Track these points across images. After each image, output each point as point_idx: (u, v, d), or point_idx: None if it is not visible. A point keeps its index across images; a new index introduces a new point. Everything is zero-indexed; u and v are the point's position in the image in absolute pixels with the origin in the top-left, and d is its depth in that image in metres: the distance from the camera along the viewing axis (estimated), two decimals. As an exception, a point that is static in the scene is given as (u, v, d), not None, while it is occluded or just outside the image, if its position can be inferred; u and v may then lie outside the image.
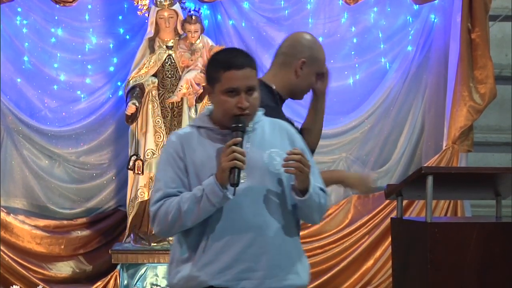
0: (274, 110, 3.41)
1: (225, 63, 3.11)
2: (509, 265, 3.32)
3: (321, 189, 3.15)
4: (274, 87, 3.57)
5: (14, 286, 6.36)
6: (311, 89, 3.68)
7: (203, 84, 6.60)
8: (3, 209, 6.68)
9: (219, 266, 3.07)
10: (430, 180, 3.36)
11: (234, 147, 2.99)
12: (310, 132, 3.71)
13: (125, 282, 6.38)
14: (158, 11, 6.49)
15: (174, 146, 3.15)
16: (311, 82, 3.65)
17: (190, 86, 6.50)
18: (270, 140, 3.15)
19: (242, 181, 3.03)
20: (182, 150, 3.12)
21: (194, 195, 3.03)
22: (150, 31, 6.56)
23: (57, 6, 6.64)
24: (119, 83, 6.87)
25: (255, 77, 3.15)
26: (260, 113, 3.21)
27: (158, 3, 6.47)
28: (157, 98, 6.54)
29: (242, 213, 3.08)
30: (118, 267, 6.41)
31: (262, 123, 3.19)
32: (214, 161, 3.07)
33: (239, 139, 3.03)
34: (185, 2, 6.67)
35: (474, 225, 3.38)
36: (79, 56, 6.91)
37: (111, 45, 6.93)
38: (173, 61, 6.57)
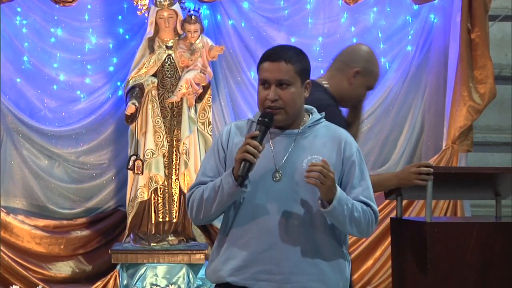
0: (334, 108, 3.57)
1: (264, 55, 3.16)
2: (509, 265, 3.32)
3: (364, 203, 3.06)
4: (327, 87, 3.72)
5: (14, 286, 6.37)
6: (359, 99, 3.77)
7: (203, 84, 6.60)
8: (2, 209, 6.68)
9: (238, 263, 3.08)
10: (429, 179, 3.36)
11: (249, 139, 3.00)
12: (351, 126, 3.74)
13: (125, 282, 6.38)
14: (157, 11, 6.49)
15: (222, 136, 3.20)
16: (361, 93, 3.77)
17: (190, 86, 6.50)
18: (318, 147, 3.11)
19: (277, 179, 3.04)
20: (227, 141, 3.17)
21: (214, 184, 3.07)
22: (150, 31, 6.56)
23: (57, 6, 6.64)
24: (118, 83, 6.87)
25: (291, 72, 3.11)
26: (316, 116, 3.19)
27: (158, 3, 6.47)
28: (156, 98, 6.54)
29: (268, 215, 3.07)
30: (118, 267, 6.41)
31: (317, 127, 3.16)
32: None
33: (257, 132, 3.03)
34: (184, 2, 6.67)
35: (474, 225, 3.38)
36: (79, 56, 6.90)
37: (110, 45, 6.93)
38: (173, 61, 6.57)
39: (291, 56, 3.11)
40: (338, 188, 2.99)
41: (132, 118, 6.46)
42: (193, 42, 6.51)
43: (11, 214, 6.73)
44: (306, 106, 3.20)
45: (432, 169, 3.46)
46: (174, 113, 6.56)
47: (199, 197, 3.09)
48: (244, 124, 3.22)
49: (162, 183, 6.51)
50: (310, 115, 3.20)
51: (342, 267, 3.13)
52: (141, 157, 6.40)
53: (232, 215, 3.11)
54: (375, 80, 3.80)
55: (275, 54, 3.12)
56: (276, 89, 3.09)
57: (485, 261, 3.31)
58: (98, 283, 6.48)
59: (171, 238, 6.53)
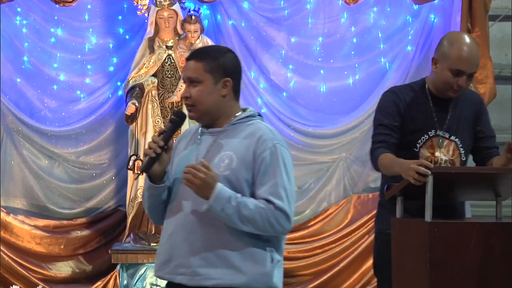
0: (388, 93, 4.04)
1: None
2: (510, 265, 3.31)
3: (266, 199, 3.08)
4: (426, 85, 3.98)
5: (14, 286, 6.37)
6: (448, 85, 3.88)
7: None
8: (3, 209, 6.68)
9: (163, 258, 3.20)
10: (430, 179, 3.35)
11: (153, 135, 3.18)
12: None
13: (125, 282, 6.38)
14: (157, 11, 6.49)
15: (176, 140, 3.34)
16: (445, 78, 3.87)
17: (190, 86, 6.49)
18: (234, 144, 3.16)
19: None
20: (177, 144, 3.30)
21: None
22: (150, 31, 6.56)
23: (57, 6, 6.64)
24: (118, 83, 6.87)
25: (199, 70, 3.18)
26: (242, 115, 3.24)
27: (158, 3, 6.47)
28: (156, 98, 6.55)
29: (183, 211, 3.17)
30: (118, 267, 6.41)
31: (243, 126, 3.21)
32: (186, 153, 3.23)
33: (163, 129, 3.19)
34: (184, 2, 6.67)
35: (474, 225, 3.38)
36: (79, 56, 6.90)
37: (110, 45, 6.93)
38: (173, 61, 6.57)
39: (203, 55, 3.20)
40: (218, 187, 3.04)
41: (132, 118, 6.46)
42: (193, 42, 6.51)
43: (11, 214, 6.73)
44: (245, 106, 3.31)
45: (429, 171, 3.46)
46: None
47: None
48: (192, 128, 3.34)
49: (162, 183, 6.50)
50: (241, 114, 3.26)
51: (259, 259, 3.13)
52: (141, 157, 6.39)
53: (164, 213, 3.26)
54: (455, 62, 3.85)
55: (192, 53, 3.25)
56: (188, 87, 3.19)
57: (485, 261, 3.31)
58: (98, 283, 6.48)
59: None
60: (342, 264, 6.70)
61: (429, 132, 3.96)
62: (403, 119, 3.96)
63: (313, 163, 6.96)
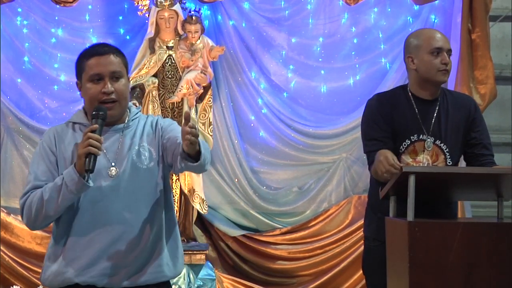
0: (369, 102, 4.01)
1: (88, 52, 3.21)
2: (496, 266, 3.30)
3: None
4: (409, 89, 3.99)
5: (14, 286, 6.37)
6: (434, 67, 3.91)
7: (204, 84, 6.60)
8: (3, 210, 6.68)
9: (85, 262, 3.10)
10: (412, 179, 3.34)
11: (89, 133, 3.03)
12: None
13: (126, 282, 6.37)
14: (158, 11, 6.49)
15: (47, 140, 3.20)
16: (427, 63, 3.92)
17: (191, 87, 6.50)
18: (140, 136, 3.21)
19: (113, 174, 3.10)
20: (55, 144, 3.18)
21: (55, 184, 3.07)
22: (151, 31, 6.56)
23: (58, 6, 6.64)
24: (119, 84, 6.86)
25: (121, 64, 3.21)
26: (135, 110, 3.29)
27: (159, 3, 6.47)
28: (157, 98, 6.55)
29: (109, 208, 3.12)
30: (119, 267, 6.40)
31: (137, 120, 3.26)
32: None
33: (96, 125, 3.07)
34: (185, 3, 6.67)
35: (458, 225, 3.36)
36: (79, 57, 6.90)
37: (111, 46, 6.92)
38: (174, 62, 6.57)
39: (115, 50, 3.23)
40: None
41: (133, 118, 6.46)
42: (193, 42, 6.51)
43: (11, 215, 6.73)
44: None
45: (395, 170, 3.52)
46: (175, 113, 6.56)
47: (37, 199, 3.08)
48: (64, 127, 3.25)
49: (163, 183, 6.50)
50: (129, 110, 3.28)
51: (178, 255, 3.25)
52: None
53: (70, 216, 3.12)
54: (430, 42, 3.94)
55: (100, 49, 3.21)
56: (110, 82, 3.15)
57: (471, 262, 3.29)
58: (99, 283, 6.47)
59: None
60: (342, 265, 6.70)
61: (411, 137, 3.93)
62: (390, 126, 3.93)
63: (313, 163, 6.96)
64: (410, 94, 3.98)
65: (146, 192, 3.19)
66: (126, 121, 3.24)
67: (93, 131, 3.04)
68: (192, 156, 3.02)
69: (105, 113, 3.12)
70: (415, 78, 3.98)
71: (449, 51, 3.94)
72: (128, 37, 6.92)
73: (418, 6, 6.84)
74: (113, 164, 3.13)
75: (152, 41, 6.58)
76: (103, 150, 3.06)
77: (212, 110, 6.70)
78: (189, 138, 2.93)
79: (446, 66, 3.90)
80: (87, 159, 3.00)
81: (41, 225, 3.15)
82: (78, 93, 3.29)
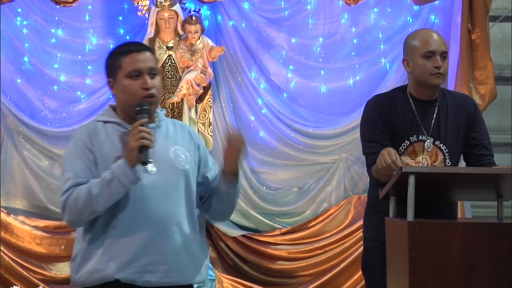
0: (368, 103, 4.01)
1: (123, 49, 3.23)
2: (496, 266, 3.30)
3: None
4: (408, 90, 3.97)
5: (14, 286, 6.37)
6: (427, 71, 3.89)
7: (203, 85, 6.60)
8: (3, 210, 6.68)
9: (125, 259, 3.09)
10: (412, 179, 3.34)
11: (140, 127, 3.05)
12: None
13: (125, 282, 6.36)
14: (158, 11, 6.50)
15: (82, 139, 3.18)
16: (420, 67, 3.90)
17: (191, 87, 6.51)
18: (174, 138, 3.23)
19: (151, 172, 3.10)
20: (91, 142, 3.16)
21: (103, 179, 3.06)
22: (150, 31, 6.57)
23: (57, 6, 6.64)
24: (119, 84, 6.86)
25: (155, 61, 3.25)
26: (162, 112, 3.31)
27: (158, 3, 6.48)
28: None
29: (148, 206, 3.11)
30: (118, 267, 6.40)
31: (165, 121, 3.29)
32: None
33: (145, 120, 3.09)
34: (185, 3, 6.67)
35: (458, 225, 3.36)
36: (79, 57, 6.90)
37: (111, 46, 6.88)
38: (173, 62, 6.57)
39: (149, 48, 3.30)
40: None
41: (133, 118, 6.45)
42: (193, 42, 6.51)
43: (11, 215, 6.73)
44: None
45: (395, 167, 3.52)
46: (175, 113, 6.56)
47: (85, 195, 3.06)
48: (94, 126, 3.23)
49: (163, 183, 6.50)
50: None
51: (207, 255, 3.33)
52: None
53: (110, 213, 3.11)
54: (423, 46, 3.91)
55: (136, 46, 3.25)
56: (149, 78, 3.18)
57: (471, 262, 3.29)
58: (99, 283, 6.47)
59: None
60: (342, 265, 6.69)
61: (411, 138, 3.93)
62: (389, 127, 3.93)
63: (313, 163, 6.96)
64: (409, 95, 3.98)
65: (182, 192, 3.20)
66: (156, 121, 3.25)
67: (142, 125, 3.06)
68: (230, 181, 3.21)
69: (149, 108, 3.14)
70: (412, 80, 3.99)
71: (443, 53, 3.92)
72: (128, 37, 6.91)
73: (418, 6, 6.84)
74: (150, 160, 3.10)
75: (152, 41, 6.58)
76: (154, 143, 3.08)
77: (212, 110, 6.70)
78: (236, 140, 3.14)
79: (439, 69, 3.89)
80: (140, 152, 3.02)
81: (84, 222, 3.13)
82: (107, 91, 3.33)
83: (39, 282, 6.57)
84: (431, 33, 4.00)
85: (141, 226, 3.10)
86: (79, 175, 3.11)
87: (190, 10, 6.62)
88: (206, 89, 6.65)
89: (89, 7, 6.86)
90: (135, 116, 3.11)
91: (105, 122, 3.22)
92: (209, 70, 6.62)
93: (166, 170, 3.15)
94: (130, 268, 3.09)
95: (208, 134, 6.62)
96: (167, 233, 3.13)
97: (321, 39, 6.96)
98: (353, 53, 6.96)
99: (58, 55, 6.87)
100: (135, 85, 3.16)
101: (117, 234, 3.11)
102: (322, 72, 6.97)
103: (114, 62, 3.21)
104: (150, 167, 3.10)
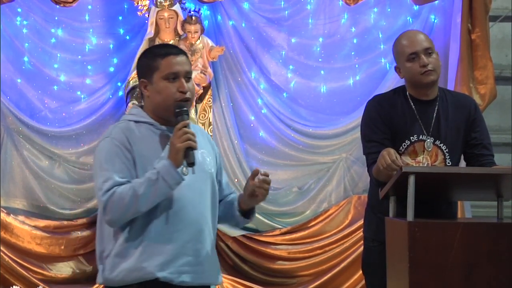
0: (370, 102, 4.02)
1: (161, 51, 3.23)
2: (496, 267, 3.30)
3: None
4: (407, 91, 3.98)
5: (14, 286, 6.36)
6: (416, 73, 3.90)
7: (203, 84, 6.60)
8: (3, 210, 6.68)
9: (165, 259, 3.12)
10: (412, 179, 3.34)
11: (185, 128, 3.07)
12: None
13: (125, 282, 6.36)
14: (158, 11, 6.50)
15: (120, 138, 3.16)
16: (408, 70, 3.93)
17: (190, 87, 6.50)
18: (199, 142, 3.21)
19: (186, 174, 3.13)
20: (129, 142, 3.15)
21: (148, 179, 3.06)
22: (150, 31, 6.57)
23: (57, 6, 6.64)
24: (119, 84, 6.87)
25: (190, 65, 3.27)
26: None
27: (158, 3, 6.48)
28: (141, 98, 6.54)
29: (185, 207, 3.15)
30: (118, 267, 6.40)
31: (189, 126, 3.26)
32: (159, 154, 3.13)
33: (188, 121, 3.11)
34: (185, 3, 6.68)
35: (458, 225, 3.36)
36: (79, 57, 6.90)
37: (111, 46, 6.93)
38: (173, 62, 6.56)
39: (184, 51, 3.30)
40: None
41: (133, 118, 6.46)
42: (193, 42, 6.52)
43: (11, 215, 6.73)
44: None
45: (395, 167, 3.52)
46: (175, 113, 6.55)
47: (130, 195, 3.05)
48: (128, 126, 3.21)
49: (163, 183, 6.50)
50: None
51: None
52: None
53: (149, 213, 3.11)
54: (405, 49, 3.94)
55: (173, 49, 3.25)
56: (186, 82, 3.20)
57: (471, 262, 3.29)
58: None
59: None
60: (342, 265, 6.69)
61: (411, 138, 3.93)
62: (390, 127, 3.94)
63: (313, 163, 6.96)
64: (408, 95, 3.99)
65: (209, 194, 3.25)
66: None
67: (184, 126, 3.09)
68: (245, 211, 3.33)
69: (187, 110, 3.17)
70: (408, 84, 4.01)
71: (427, 50, 3.92)
72: (128, 37, 6.92)
73: (418, 6, 6.84)
74: (184, 163, 3.12)
75: (152, 41, 6.58)
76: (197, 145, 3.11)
77: (212, 110, 6.71)
78: (263, 186, 3.23)
79: (426, 67, 3.89)
80: (187, 153, 3.06)
81: (125, 221, 3.12)
82: (141, 92, 3.31)
83: (39, 282, 6.57)
84: (410, 35, 4.03)
85: (178, 227, 3.13)
86: (119, 175, 3.10)
87: (190, 10, 6.62)
88: (206, 89, 6.65)
89: (89, 7, 6.86)
90: (175, 118, 3.14)
91: (136, 122, 3.22)
92: (209, 70, 6.62)
93: (198, 172, 3.16)
94: (169, 267, 3.12)
95: (208, 134, 6.61)
96: (201, 235, 3.18)
97: (321, 39, 6.96)
98: (353, 53, 6.97)
99: (58, 55, 6.87)
100: (172, 88, 3.17)
101: (156, 233, 3.12)
102: (322, 72, 6.97)
103: (151, 63, 3.20)
104: (185, 169, 3.13)
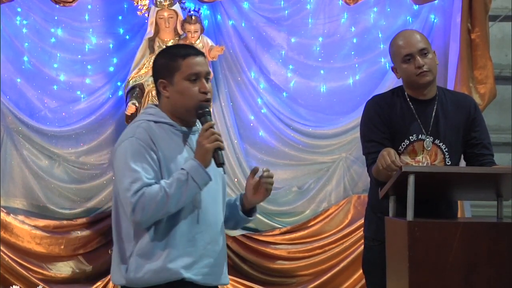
0: (369, 102, 4.04)
1: (181, 52, 3.22)
2: (496, 266, 3.30)
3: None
4: (405, 91, 4.00)
5: (14, 286, 6.36)
6: (411, 74, 3.91)
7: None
8: (3, 209, 6.68)
9: (191, 260, 3.14)
10: (411, 179, 3.34)
11: (212, 129, 3.09)
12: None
13: (125, 282, 6.36)
14: (158, 11, 6.50)
15: (144, 139, 3.15)
16: (404, 71, 3.93)
17: (190, 86, 6.50)
18: None
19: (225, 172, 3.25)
20: (153, 142, 3.15)
21: (178, 179, 3.07)
22: (150, 31, 6.57)
23: (57, 6, 6.64)
24: (119, 83, 6.87)
25: (208, 66, 3.28)
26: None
27: (158, 3, 6.48)
28: (157, 98, 6.54)
29: (205, 209, 3.17)
30: (118, 267, 6.40)
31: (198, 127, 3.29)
32: (181, 155, 3.14)
33: (213, 122, 3.13)
34: (185, 2, 6.68)
35: (458, 225, 3.36)
36: (79, 56, 6.90)
37: (111, 45, 6.93)
38: (173, 61, 6.56)
39: (203, 52, 3.32)
40: None
41: (133, 118, 6.45)
42: (193, 42, 6.51)
43: (11, 214, 6.73)
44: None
45: (395, 167, 3.52)
46: (174, 113, 6.55)
47: (161, 196, 3.05)
48: (150, 126, 3.20)
49: (163, 183, 6.50)
50: None
51: None
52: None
53: (175, 215, 3.12)
54: (400, 51, 3.93)
55: (193, 50, 3.25)
56: (207, 82, 3.21)
57: (471, 262, 3.29)
58: (98, 283, 6.48)
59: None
60: (342, 265, 6.70)
61: (410, 137, 3.93)
62: (389, 127, 3.95)
63: (313, 163, 6.96)
64: (406, 95, 3.99)
65: (221, 196, 3.28)
66: (196, 125, 3.27)
67: (211, 127, 3.11)
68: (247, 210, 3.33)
69: (209, 111, 3.18)
70: (405, 84, 4.01)
71: (422, 51, 3.92)
72: (127, 37, 6.92)
73: (417, 6, 6.84)
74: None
75: (151, 40, 6.58)
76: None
77: (211, 110, 6.69)
78: (268, 181, 3.22)
79: (421, 68, 3.90)
80: (215, 154, 3.08)
81: (153, 222, 3.12)
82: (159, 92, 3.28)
83: (38, 282, 6.57)
84: (406, 35, 4.01)
85: (201, 228, 3.16)
86: (147, 176, 3.09)
87: (189, 10, 6.62)
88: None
89: (89, 6, 6.86)
90: (196, 118, 3.17)
91: (156, 122, 3.21)
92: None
93: (214, 174, 3.18)
94: (195, 268, 3.14)
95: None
96: (218, 236, 3.21)
97: (320, 39, 6.96)
98: (352, 53, 6.97)
99: (58, 54, 6.87)
100: (194, 89, 3.16)
101: (181, 235, 3.13)
102: (322, 71, 6.97)
103: (171, 63, 3.19)
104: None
